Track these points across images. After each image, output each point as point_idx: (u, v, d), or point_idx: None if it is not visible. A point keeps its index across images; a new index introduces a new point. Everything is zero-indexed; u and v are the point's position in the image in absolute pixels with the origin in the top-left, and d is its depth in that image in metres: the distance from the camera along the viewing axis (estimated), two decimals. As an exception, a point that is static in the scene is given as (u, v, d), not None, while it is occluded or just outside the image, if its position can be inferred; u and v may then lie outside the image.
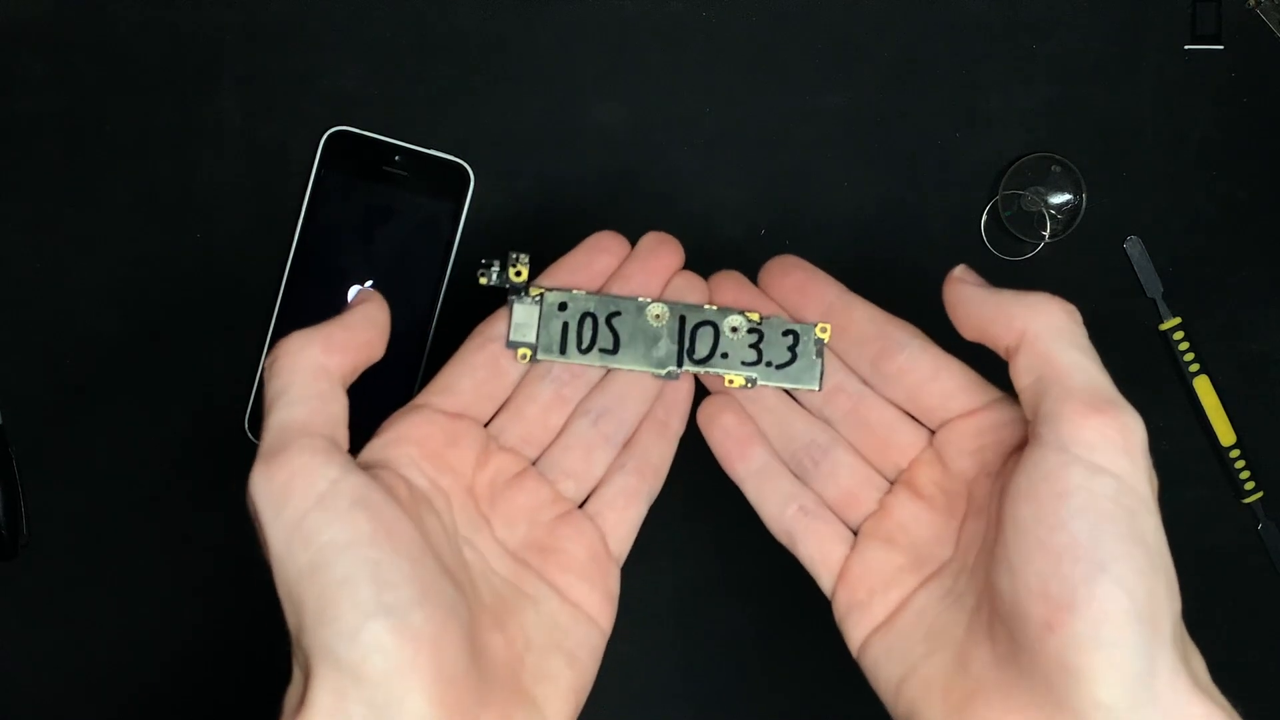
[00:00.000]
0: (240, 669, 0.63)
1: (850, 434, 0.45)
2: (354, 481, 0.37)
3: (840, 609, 0.44)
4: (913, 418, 0.45)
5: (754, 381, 0.46)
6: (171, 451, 0.63)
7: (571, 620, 0.43)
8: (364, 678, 0.35)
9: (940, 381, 0.44)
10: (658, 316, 0.46)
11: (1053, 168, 0.63)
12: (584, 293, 0.46)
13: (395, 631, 0.35)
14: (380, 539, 0.36)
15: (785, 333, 0.46)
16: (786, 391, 0.46)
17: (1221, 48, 0.63)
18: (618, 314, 0.46)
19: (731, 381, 0.46)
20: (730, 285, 0.47)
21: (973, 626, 0.40)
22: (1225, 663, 0.65)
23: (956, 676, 0.39)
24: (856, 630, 0.43)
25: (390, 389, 0.62)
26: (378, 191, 0.62)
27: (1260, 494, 0.63)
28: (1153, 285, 0.63)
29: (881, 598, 0.43)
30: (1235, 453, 0.63)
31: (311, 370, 0.40)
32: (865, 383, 0.45)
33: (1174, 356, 0.63)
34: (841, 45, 0.63)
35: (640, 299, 0.46)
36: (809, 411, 0.46)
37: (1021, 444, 0.40)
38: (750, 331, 0.46)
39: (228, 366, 0.62)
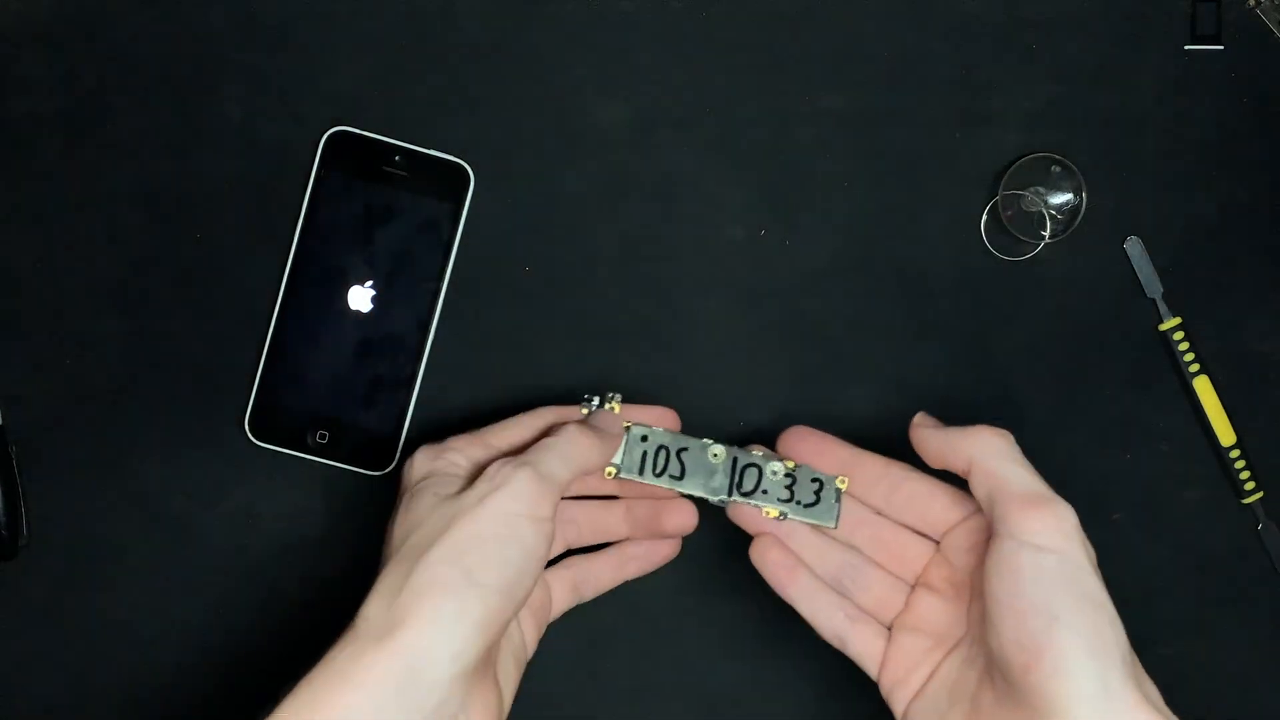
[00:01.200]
0: (240, 669, 0.63)
1: (875, 554, 0.57)
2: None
3: (885, 688, 0.55)
4: (919, 533, 0.57)
5: (785, 515, 0.57)
6: (171, 451, 0.63)
7: (520, 640, 0.57)
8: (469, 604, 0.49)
9: (938, 499, 0.56)
10: (716, 455, 0.58)
11: (1053, 168, 0.63)
12: (662, 430, 0.58)
13: (480, 600, 0.49)
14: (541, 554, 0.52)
15: (813, 480, 0.57)
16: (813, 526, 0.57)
17: (1221, 48, 0.63)
18: (685, 449, 0.58)
19: (768, 513, 0.57)
20: (796, 440, 0.58)
21: (981, 679, 0.52)
22: (1225, 663, 0.65)
23: (972, 717, 0.51)
24: (900, 703, 0.55)
25: (390, 389, 0.62)
26: (378, 191, 0.62)
27: (1260, 494, 0.63)
28: (1153, 285, 0.63)
29: (916, 674, 0.55)
30: (1235, 453, 0.63)
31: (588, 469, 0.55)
32: (880, 513, 0.57)
33: (1174, 356, 0.63)
34: (841, 45, 0.63)
35: (705, 440, 0.58)
36: (838, 541, 0.57)
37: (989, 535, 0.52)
38: (786, 475, 0.57)
39: (228, 366, 0.62)
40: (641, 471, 0.57)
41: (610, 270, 0.63)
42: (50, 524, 0.62)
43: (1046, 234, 0.63)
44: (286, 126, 0.62)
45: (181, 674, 0.63)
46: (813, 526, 0.57)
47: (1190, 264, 0.64)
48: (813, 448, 0.58)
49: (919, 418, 0.56)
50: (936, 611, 0.56)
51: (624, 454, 0.57)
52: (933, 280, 0.64)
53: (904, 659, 0.55)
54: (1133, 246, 0.63)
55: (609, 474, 0.57)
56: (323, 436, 0.62)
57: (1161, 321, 0.63)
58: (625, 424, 0.58)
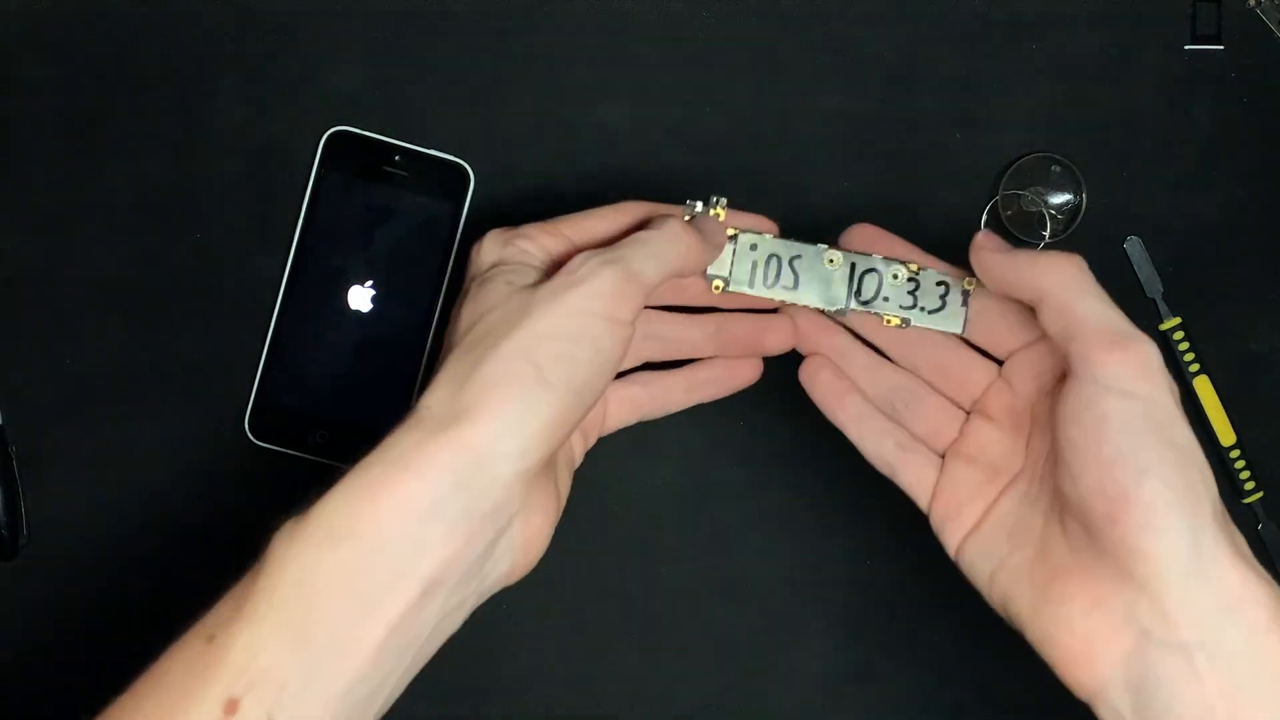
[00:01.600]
0: (240, 669, 0.63)
1: (932, 376, 0.54)
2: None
3: (936, 522, 0.53)
4: (981, 354, 0.54)
5: (908, 323, 0.53)
6: (171, 451, 0.63)
7: (569, 448, 0.54)
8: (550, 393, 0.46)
9: (1007, 318, 0.53)
10: (832, 261, 0.54)
11: (1053, 168, 0.63)
12: (770, 236, 0.54)
13: (550, 399, 0.46)
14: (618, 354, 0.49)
15: (938, 283, 0.53)
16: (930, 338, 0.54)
17: (1221, 48, 0.63)
18: (799, 257, 0.54)
19: (889, 321, 0.54)
20: (882, 240, 0.55)
21: (1048, 523, 0.49)
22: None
23: (1039, 564, 0.49)
24: (952, 538, 0.53)
25: (390, 389, 0.62)
26: (378, 191, 0.62)
27: (1260, 494, 0.63)
28: (1153, 285, 0.63)
29: (969, 508, 0.52)
30: (1235, 453, 0.63)
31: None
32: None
33: (1174, 356, 0.63)
34: (841, 45, 0.63)
35: (820, 246, 0.54)
36: (893, 364, 0.55)
37: (1065, 372, 0.48)
38: (909, 280, 0.53)
39: (228, 366, 0.62)
40: (752, 284, 0.54)
41: (610, 270, 0.63)
42: (50, 524, 0.62)
43: (1046, 234, 0.63)
44: (286, 126, 0.62)
45: (181, 674, 0.63)
46: (939, 333, 0.54)
47: (1190, 264, 0.64)
48: (880, 248, 0.55)
49: (981, 238, 0.51)
50: (993, 442, 0.53)
51: (733, 264, 0.53)
52: (933, 280, 0.64)
53: (956, 490, 0.53)
54: (1133, 246, 0.63)
55: (717, 288, 0.54)
56: (323, 436, 0.62)
57: (1161, 321, 0.63)
58: (733, 231, 0.54)
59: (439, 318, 0.62)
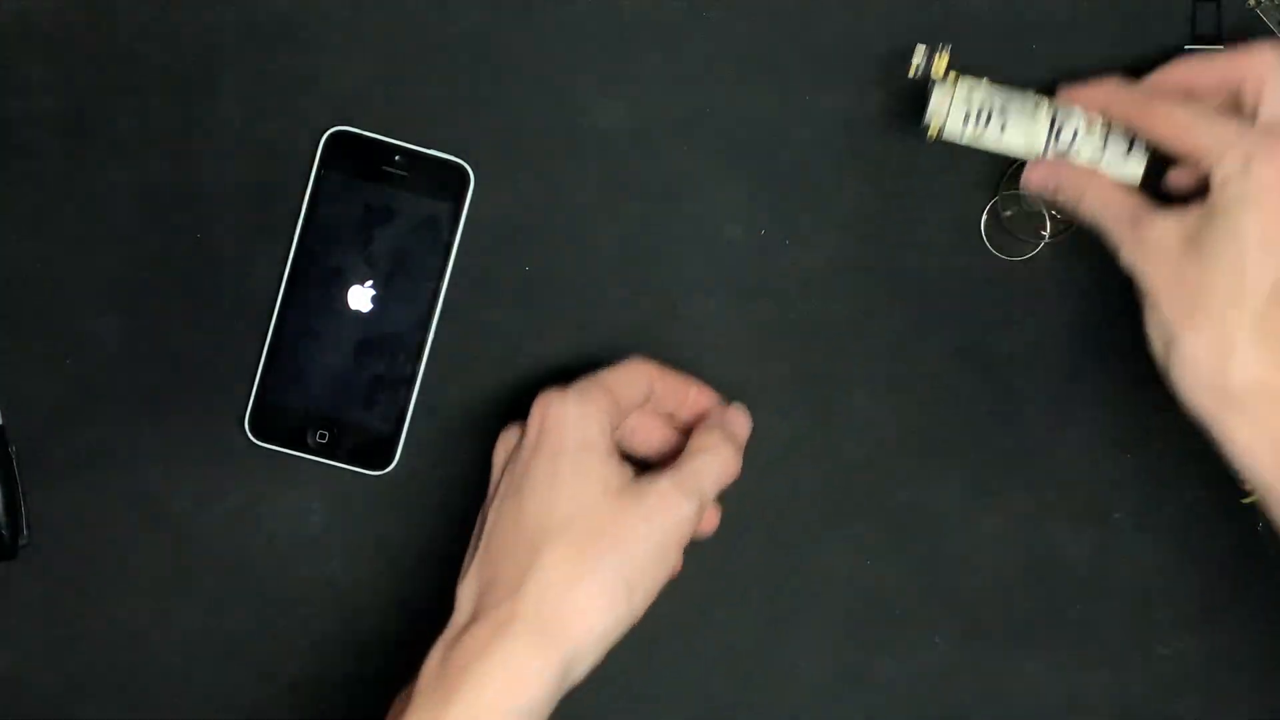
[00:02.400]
0: (240, 669, 0.63)
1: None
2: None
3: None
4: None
5: (1095, 167, 0.58)
6: (171, 451, 0.63)
7: None
8: None
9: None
10: (1039, 106, 0.59)
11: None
12: (986, 81, 0.59)
13: (630, 616, 0.53)
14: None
15: (1127, 137, 0.58)
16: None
17: (1222, 48, 0.63)
18: (1010, 103, 0.59)
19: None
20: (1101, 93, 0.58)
21: None
22: (1225, 663, 0.65)
23: None
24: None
25: (389, 389, 0.62)
26: (378, 191, 0.62)
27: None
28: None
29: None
30: None
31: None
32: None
33: None
34: (841, 45, 0.63)
35: (1029, 93, 0.59)
36: None
37: None
38: (1101, 130, 0.58)
39: (227, 366, 0.62)
40: (962, 133, 0.59)
41: (610, 270, 0.63)
42: (50, 524, 0.62)
43: (1047, 234, 0.63)
44: (286, 126, 0.62)
45: (181, 674, 0.63)
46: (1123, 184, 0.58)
47: (1190, 264, 0.64)
48: (1090, 100, 0.58)
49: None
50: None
51: (949, 114, 0.59)
52: (933, 280, 0.64)
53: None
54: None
55: (930, 136, 0.59)
56: (323, 436, 0.62)
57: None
58: (954, 73, 0.59)
59: (439, 317, 0.62)
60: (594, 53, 0.63)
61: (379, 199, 0.62)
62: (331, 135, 0.62)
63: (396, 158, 0.62)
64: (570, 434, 0.53)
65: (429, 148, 0.62)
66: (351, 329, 0.62)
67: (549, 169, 0.63)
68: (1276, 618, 0.64)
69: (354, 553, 0.63)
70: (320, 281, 0.62)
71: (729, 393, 0.63)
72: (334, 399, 0.62)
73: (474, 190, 0.62)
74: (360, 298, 0.62)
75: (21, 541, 0.61)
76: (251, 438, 0.62)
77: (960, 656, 0.64)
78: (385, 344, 0.62)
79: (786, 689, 0.64)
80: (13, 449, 0.62)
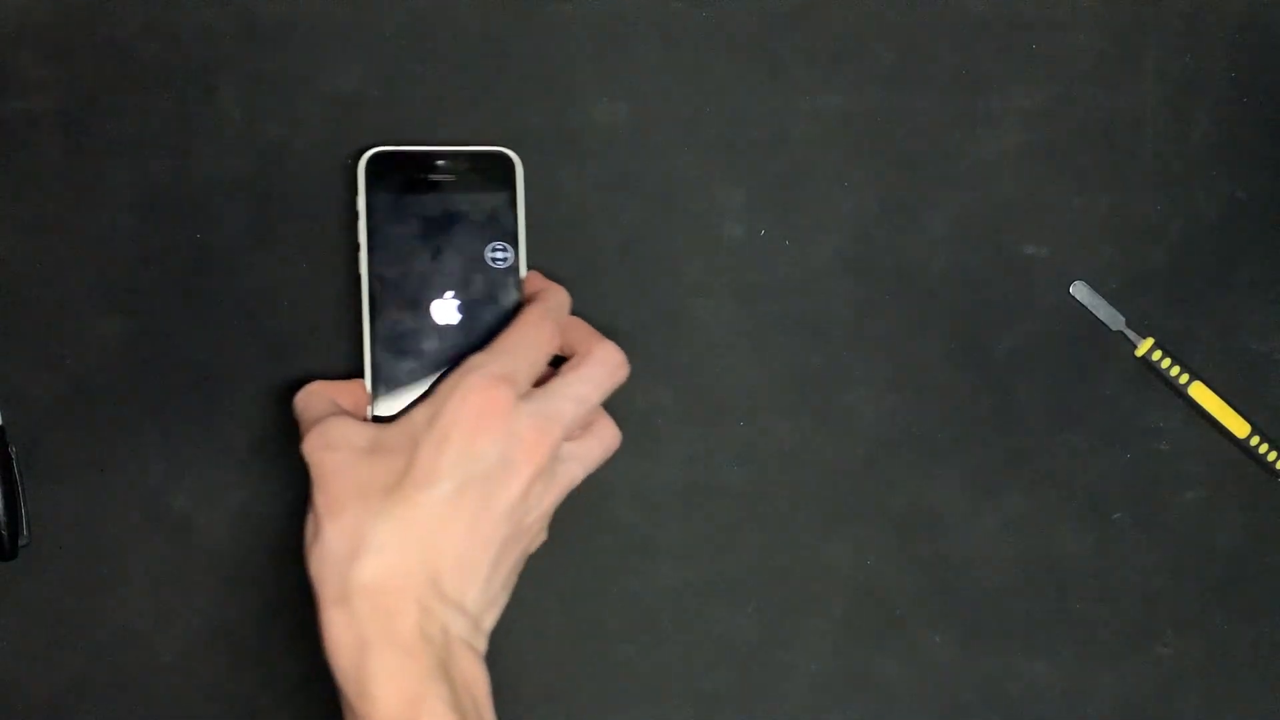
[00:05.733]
0: (240, 668, 0.63)
1: None
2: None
3: None
4: None
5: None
6: (171, 451, 0.63)
7: None
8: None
9: None
10: None
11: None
12: None
13: None
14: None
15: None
16: None
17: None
18: None
19: None
20: None
21: None
22: (1225, 663, 0.65)
23: None
24: None
25: None
26: (430, 201, 0.60)
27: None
28: (1114, 319, 0.63)
29: None
30: (1255, 439, 0.63)
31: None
32: None
33: (1161, 376, 0.63)
34: (841, 45, 0.63)
35: None
36: None
37: None
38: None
39: (227, 366, 0.62)
40: None
41: (610, 270, 0.63)
42: (50, 524, 0.62)
43: (1046, 234, 0.63)
44: (286, 126, 0.62)
45: (181, 674, 0.63)
46: None
47: (1190, 264, 0.64)
48: None
49: None
50: None
51: None
52: (933, 280, 0.64)
53: None
54: (1079, 290, 0.63)
55: None
56: None
57: (1136, 348, 0.63)
58: None
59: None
60: (594, 52, 0.63)
61: (434, 208, 0.60)
62: (371, 158, 0.60)
63: (440, 163, 0.60)
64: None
65: (462, 144, 0.61)
66: (446, 344, 0.60)
67: (549, 169, 0.63)
68: (1276, 618, 0.65)
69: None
70: (402, 307, 0.60)
71: (729, 392, 0.63)
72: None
73: (523, 174, 0.61)
74: (445, 311, 0.60)
75: (21, 541, 0.61)
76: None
77: (960, 656, 0.64)
78: (482, 347, 0.60)
79: (786, 689, 0.64)
80: (13, 449, 0.62)
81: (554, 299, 0.60)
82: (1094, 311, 0.63)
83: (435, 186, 0.60)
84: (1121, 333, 0.63)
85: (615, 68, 0.63)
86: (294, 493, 0.63)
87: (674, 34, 0.63)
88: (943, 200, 0.64)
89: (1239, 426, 0.63)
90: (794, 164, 0.64)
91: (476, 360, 0.56)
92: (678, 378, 0.63)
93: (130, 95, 0.62)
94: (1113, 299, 0.64)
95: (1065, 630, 0.64)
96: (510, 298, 0.60)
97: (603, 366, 0.58)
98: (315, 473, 0.54)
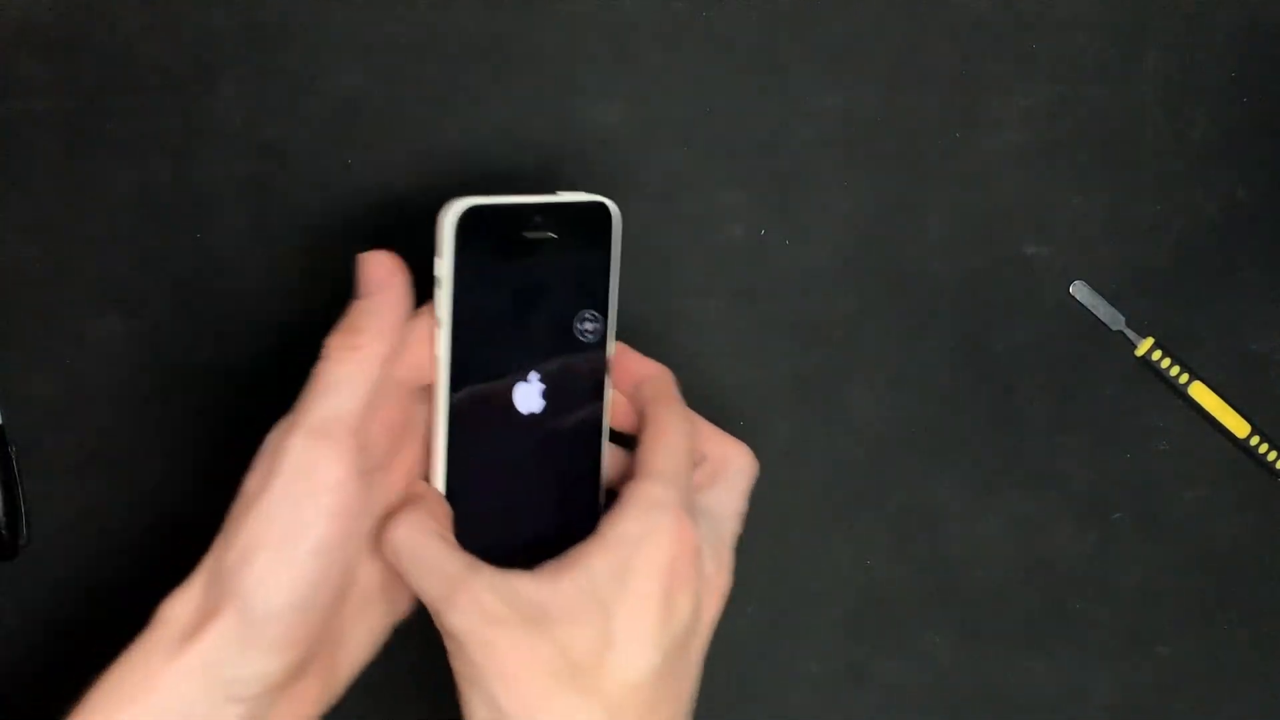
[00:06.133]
0: (240, 669, 0.63)
1: None
2: (354, 489, 0.47)
3: None
4: None
5: None
6: (171, 451, 0.63)
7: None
8: (256, 636, 0.46)
9: None
10: None
11: (1053, 168, 0.63)
12: None
13: (297, 625, 0.46)
14: (334, 549, 0.47)
15: None
16: None
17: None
18: None
19: None
20: None
21: None
22: (1225, 663, 0.65)
23: None
24: None
25: (577, 493, 0.53)
26: (522, 265, 0.50)
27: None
28: (1113, 319, 0.63)
29: None
30: (1255, 439, 0.63)
31: (372, 371, 0.48)
32: None
33: (1161, 375, 0.63)
34: (841, 45, 0.63)
35: None
36: None
37: None
38: None
39: (227, 366, 0.62)
40: None
41: (610, 270, 0.63)
42: (50, 524, 0.62)
43: (1046, 234, 0.63)
44: (286, 126, 0.62)
45: (181, 674, 0.63)
46: None
47: (1190, 263, 0.64)
48: None
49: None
50: None
51: None
52: (933, 280, 0.64)
53: None
54: (1079, 290, 0.63)
55: None
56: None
57: (1136, 348, 0.63)
58: None
59: (608, 394, 0.53)
60: (594, 53, 0.63)
61: (526, 275, 0.50)
62: (466, 215, 0.49)
63: (537, 218, 0.50)
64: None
65: (556, 191, 0.52)
66: (527, 438, 0.51)
67: (548, 169, 0.63)
68: (1276, 618, 0.65)
69: (354, 553, 0.63)
70: (485, 396, 0.50)
71: (729, 392, 0.63)
72: (530, 528, 0.51)
73: (619, 228, 0.53)
74: (528, 397, 0.51)
75: (21, 541, 0.61)
76: None
77: (960, 656, 0.64)
78: (564, 441, 0.52)
79: (787, 689, 0.64)
80: (13, 449, 0.62)
81: (672, 387, 0.52)
82: (1094, 311, 0.63)
83: (528, 248, 0.50)
84: (1121, 333, 0.63)
85: (616, 68, 0.63)
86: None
87: (674, 34, 0.63)
88: (943, 200, 0.64)
89: (1239, 426, 0.63)
90: (794, 164, 0.64)
91: (654, 494, 0.47)
92: (677, 377, 0.63)
93: (130, 95, 0.62)
94: (1113, 299, 0.64)
95: (1064, 630, 0.64)
96: (598, 378, 0.52)
97: (748, 478, 0.53)
98: (481, 654, 0.44)
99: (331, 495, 0.46)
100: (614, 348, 0.52)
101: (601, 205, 0.52)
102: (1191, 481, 0.64)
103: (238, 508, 0.48)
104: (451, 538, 0.47)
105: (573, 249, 0.51)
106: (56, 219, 0.63)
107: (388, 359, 0.47)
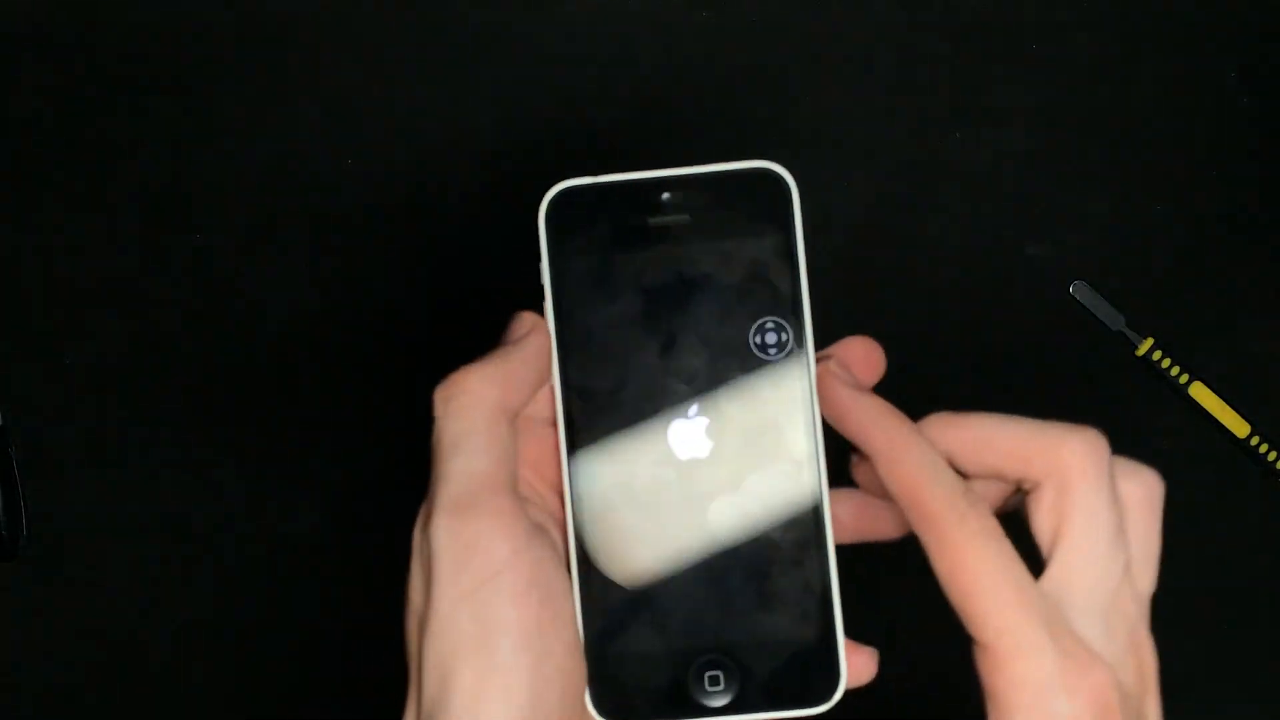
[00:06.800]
0: (241, 668, 0.63)
1: None
2: (534, 556, 0.36)
3: None
4: None
5: None
6: (171, 451, 0.63)
7: None
8: None
9: None
10: None
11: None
12: None
13: None
14: (545, 628, 0.36)
15: None
16: None
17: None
18: None
19: None
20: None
21: None
22: (1225, 663, 0.65)
23: None
24: None
25: (786, 564, 0.39)
26: (655, 259, 0.38)
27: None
28: (1113, 319, 0.63)
29: None
30: (1255, 439, 0.63)
31: (494, 414, 0.37)
32: None
33: (1161, 375, 0.63)
34: (843, 45, 0.63)
35: None
36: None
37: None
38: None
39: (226, 366, 0.62)
40: None
41: (610, 270, 0.63)
42: (50, 524, 0.62)
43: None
44: (287, 127, 0.62)
45: (181, 674, 0.63)
46: None
47: (1190, 264, 0.64)
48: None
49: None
50: None
51: None
52: (933, 280, 0.64)
53: None
54: (1079, 290, 0.63)
55: None
56: (715, 681, 0.37)
57: (1136, 348, 0.63)
58: None
59: (817, 416, 0.39)
60: (594, 52, 0.63)
61: (661, 271, 0.38)
62: (555, 199, 0.38)
63: (665, 196, 0.39)
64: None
65: (687, 165, 0.40)
66: (696, 494, 0.38)
67: (549, 169, 0.63)
68: (1277, 618, 0.65)
69: (354, 553, 0.63)
70: (617, 438, 0.37)
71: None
72: (708, 617, 0.38)
73: (800, 205, 0.41)
74: (689, 437, 0.38)
75: (21, 542, 0.61)
76: None
77: (960, 656, 0.64)
78: (754, 492, 0.39)
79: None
80: (13, 449, 0.62)
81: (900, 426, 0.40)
82: (1094, 311, 0.63)
83: (661, 236, 0.38)
84: (1121, 333, 0.63)
85: (616, 68, 0.63)
86: (294, 493, 0.63)
87: (674, 34, 0.63)
88: (943, 200, 0.64)
89: (1239, 426, 0.63)
90: (794, 164, 0.64)
91: (1022, 675, 0.37)
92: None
93: (130, 95, 0.62)
94: (1113, 299, 0.63)
95: (1065, 630, 0.64)
96: (796, 404, 0.39)
97: (1098, 479, 0.42)
98: None
99: (513, 572, 0.36)
100: (815, 365, 0.40)
101: (770, 174, 0.40)
102: (1191, 481, 0.64)
103: (410, 634, 0.38)
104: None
105: (734, 234, 0.39)
106: (56, 219, 0.63)
107: (509, 402, 0.37)
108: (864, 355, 0.42)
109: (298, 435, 0.63)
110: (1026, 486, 0.38)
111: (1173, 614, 0.65)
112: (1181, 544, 0.66)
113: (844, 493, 0.41)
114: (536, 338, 0.39)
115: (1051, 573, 0.37)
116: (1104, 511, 0.39)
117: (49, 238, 0.62)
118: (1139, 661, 0.38)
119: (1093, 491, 0.39)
